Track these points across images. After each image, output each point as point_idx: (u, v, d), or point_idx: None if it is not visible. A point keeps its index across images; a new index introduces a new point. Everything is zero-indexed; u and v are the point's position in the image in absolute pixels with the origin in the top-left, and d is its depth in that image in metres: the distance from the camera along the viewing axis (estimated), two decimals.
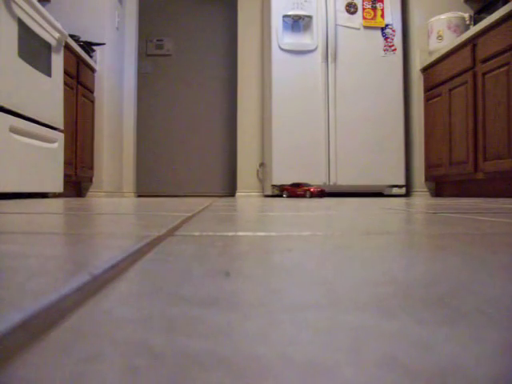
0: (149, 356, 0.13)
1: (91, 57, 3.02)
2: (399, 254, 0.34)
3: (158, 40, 4.56)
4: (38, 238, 0.43)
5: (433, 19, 3.08)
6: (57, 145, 2.38)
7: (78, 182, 3.00)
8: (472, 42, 2.62)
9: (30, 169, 2.09)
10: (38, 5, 2.11)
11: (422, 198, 2.54)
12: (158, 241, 0.41)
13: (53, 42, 2.31)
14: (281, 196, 3.17)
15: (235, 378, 0.12)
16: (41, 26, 2.16)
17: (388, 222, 0.67)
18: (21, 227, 0.56)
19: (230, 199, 2.52)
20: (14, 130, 1.93)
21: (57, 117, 2.38)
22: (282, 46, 3.19)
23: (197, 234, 0.48)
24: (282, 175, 3.16)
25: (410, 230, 0.55)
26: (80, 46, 2.82)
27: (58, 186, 2.41)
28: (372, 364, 0.13)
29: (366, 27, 3.22)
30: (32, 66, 2.08)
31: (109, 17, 3.15)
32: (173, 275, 0.25)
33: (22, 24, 1.98)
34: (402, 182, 3.20)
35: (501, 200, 1.89)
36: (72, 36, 2.72)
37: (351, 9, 3.22)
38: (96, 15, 3.05)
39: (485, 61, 2.49)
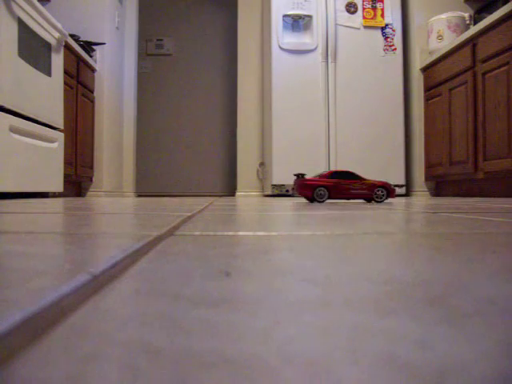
0: (149, 355, 0.13)
1: (91, 56, 3.02)
2: (398, 254, 0.34)
3: (158, 40, 4.56)
4: (38, 238, 0.43)
5: (433, 19, 3.08)
6: (57, 144, 2.38)
7: (77, 181, 3.00)
8: (472, 41, 2.62)
9: (30, 168, 2.09)
10: (38, 4, 2.11)
11: (421, 198, 2.54)
12: (158, 240, 0.41)
13: (53, 42, 2.30)
14: (281, 195, 3.17)
15: (236, 377, 0.12)
16: (41, 25, 2.16)
17: (388, 222, 0.67)
18: (21, 227, 0.56)
19: (230, 199, 2.52)
20: (14, 130, 1.93)
21: (57, 116, 2.38)
22: (282, 46, 3.19)
23: (197, 233, 0.48)
24: (282, 175, 3.16)
25: (410, 230, 0.55)
26: (80, 45, 2.82)
27: (58, 186, 2.41)
28: (372, 363, 0.13)
29: (366, 27, 3.22)
30: (32, 65, 2.08)
31: (109, 16, 3.15)
32: (173, 275, 0.25)
33: (22, 24, 1.98)
34: (401, 181, 3.20)
35: (501, 200, 1.89)
36: (72, 36, 2.72)
37: (351, 8, 3.22)
38: (96, 15, 3.05)
39: (485, 60, 2.49)
